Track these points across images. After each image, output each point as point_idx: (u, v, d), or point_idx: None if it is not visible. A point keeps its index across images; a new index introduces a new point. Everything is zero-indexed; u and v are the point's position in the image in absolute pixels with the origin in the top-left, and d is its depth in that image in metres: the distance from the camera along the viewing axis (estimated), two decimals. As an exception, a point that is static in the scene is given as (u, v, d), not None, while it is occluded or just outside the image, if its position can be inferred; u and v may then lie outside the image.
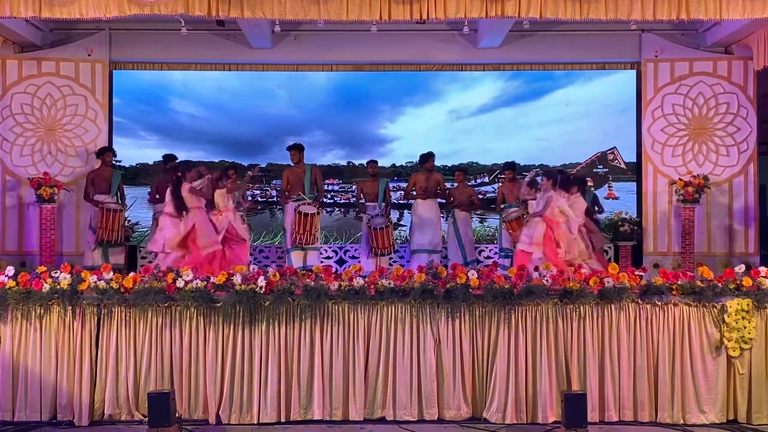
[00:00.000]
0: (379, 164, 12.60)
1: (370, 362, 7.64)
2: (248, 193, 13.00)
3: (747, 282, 7.73)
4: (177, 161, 12.13)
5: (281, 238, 12.56)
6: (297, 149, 11.79)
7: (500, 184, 12.74)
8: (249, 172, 11.64)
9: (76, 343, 7.59)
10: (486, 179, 13.64)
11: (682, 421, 7.56)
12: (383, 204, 11.99)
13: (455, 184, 12.52)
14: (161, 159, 12.26)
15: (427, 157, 12.10)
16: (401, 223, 13.52)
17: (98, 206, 11.46)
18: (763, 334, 7.65)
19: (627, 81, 13.19)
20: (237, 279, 7.59)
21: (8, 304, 7.56)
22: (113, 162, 12.11)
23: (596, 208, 12.23)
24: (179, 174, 9.80)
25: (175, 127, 13.53)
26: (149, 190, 12.44)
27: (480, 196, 12.97)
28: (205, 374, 7.59)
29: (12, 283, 7.61)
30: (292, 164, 11.92)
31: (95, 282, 7.59)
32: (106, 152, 11.91)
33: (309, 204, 11.42)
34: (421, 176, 12.15)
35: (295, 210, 11.31)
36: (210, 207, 10.19)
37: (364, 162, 12.82)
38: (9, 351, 7.58)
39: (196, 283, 7.58)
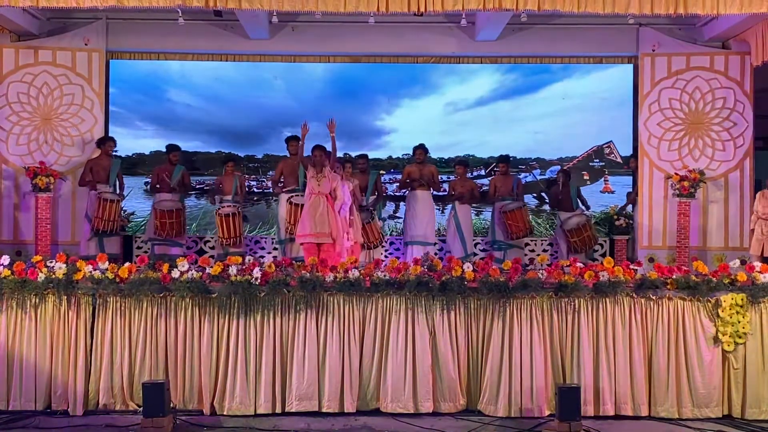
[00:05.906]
0: (376, 156, 12.59)
1: (364, 354, 7.65)
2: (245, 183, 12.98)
3: (741, 277, 7.76)
4: (179, 151, 12.16)
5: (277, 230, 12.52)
6: (297, 141, 11.68)
7: (493, 177, 12.73)
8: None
9: (71, 333, 7.59)
10: (482, 172, 13.63)
11: (677, 416, 7.59)
12: (371, 197, 11.91)
13: (456, 177, 12.47)
14: (164, 149, 12.26)
15: (415, 149, 12.11)
16: (397, 215, 13.50)
17: (94, 190, 11.43)
18: (758, 329, 7.67)
19: (624, 75, 13.17)
20: (232, 270, 7.60)
21: (3, 294, 7.57)
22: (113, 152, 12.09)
23: (579, 201, 12.24)
24: None
25: (171, 117, 13.49)
26: (147, 179, 12.40)
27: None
28: (200, 364, 7.60)
29: (7, 272, 7.62)
30: (288, 155, 11.86)
31: (90, 272, 7.60)
32: (107, 141, 11.91)
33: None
34: (414, 168, 12.12)
35: (288, 201, 11.24)
36: None
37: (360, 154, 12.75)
38: (4, 340, 7.59)
39: (192, 274, 7.58)
